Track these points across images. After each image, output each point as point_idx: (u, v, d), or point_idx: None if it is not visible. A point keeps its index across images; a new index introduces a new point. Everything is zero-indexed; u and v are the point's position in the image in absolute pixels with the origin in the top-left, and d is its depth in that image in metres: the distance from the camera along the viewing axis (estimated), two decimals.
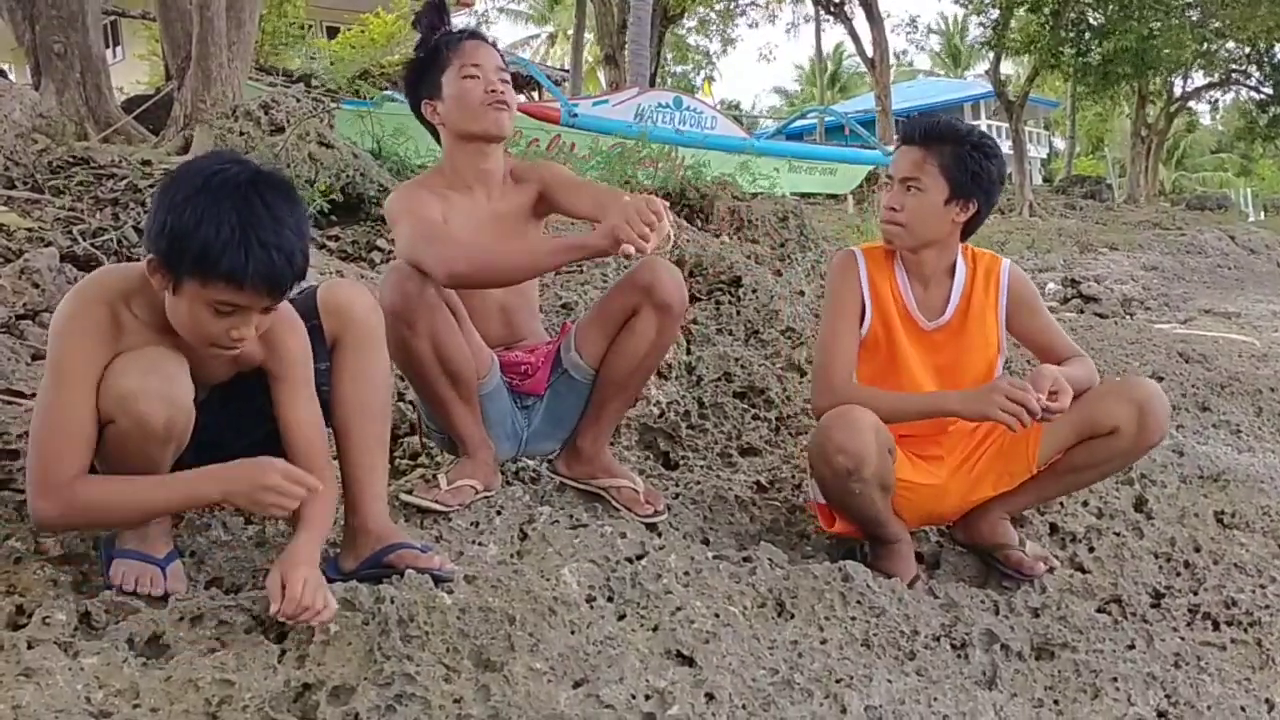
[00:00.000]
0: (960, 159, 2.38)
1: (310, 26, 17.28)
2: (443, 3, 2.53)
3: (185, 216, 1.67)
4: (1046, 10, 18.95)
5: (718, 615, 1.99)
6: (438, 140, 2.53)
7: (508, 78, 2.47)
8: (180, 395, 1.77)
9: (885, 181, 2.51)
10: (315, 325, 2.00)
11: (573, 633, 1.84)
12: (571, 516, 2.42)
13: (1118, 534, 2.71)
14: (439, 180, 2.49)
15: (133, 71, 16.45)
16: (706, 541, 2.53)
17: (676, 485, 2.85)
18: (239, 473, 1.76)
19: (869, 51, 21.21)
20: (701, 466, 3.04)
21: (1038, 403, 2.16)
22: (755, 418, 3.39)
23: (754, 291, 4.46)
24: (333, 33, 19.86)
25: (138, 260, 1.90)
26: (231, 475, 1.76)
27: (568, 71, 24.87)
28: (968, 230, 2.48)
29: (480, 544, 2.25)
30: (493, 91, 2.41)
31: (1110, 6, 19.41)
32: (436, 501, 2.35)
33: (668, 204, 2.15)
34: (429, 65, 2.46)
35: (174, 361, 1.77)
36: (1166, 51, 19.72)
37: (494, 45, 2.53)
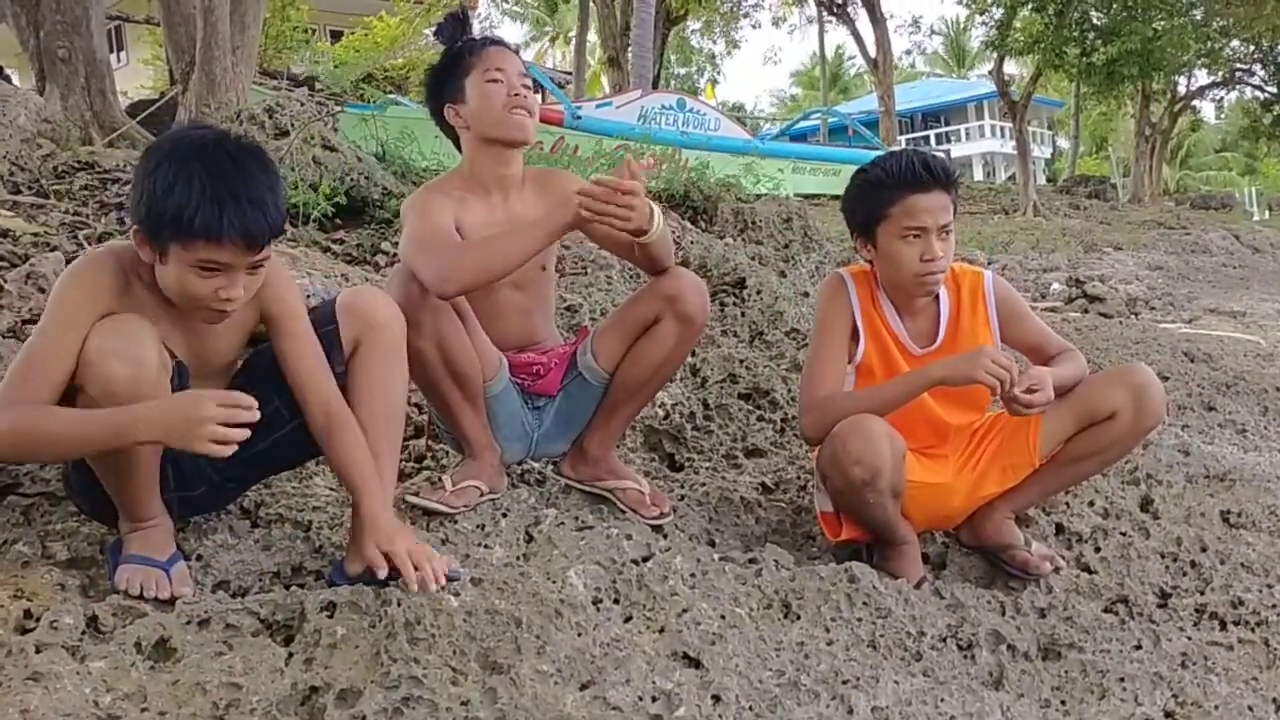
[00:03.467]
0: (958, 189, 2.40)
1: (314, 30, 17.31)
2: (465, 14, 2.54)
3: (157, 184, 1.73)
4: (1050, 10, 18.92)
5: (724, 617, 1.99)
6: (457, 145, 2.53)
7: (530, 83, 2.47)
8: (144, 355, 1.76)
9: (911, 231, 2.34)
10: (332, 330, 2.01)
11: (579, 635, 1.84)
12: (577, 518, 2.42)
13: (1124, 534, 2.70)
14: (456, 183, 2.48)
15: (137, 76, 16.50)
16: (712, 543, 2.53)
17: (682, 487, 2.85)
18: (174, 407, 1.71)
19: (872, 52, 21.23)
20: (707, 468, 3.04)
21: (1017, 389, 2.18)
22: (760, 419, 3.39)
23: (758, 293, 4.47)
24: (336, 36, 19.89)
25: None
26: (166, 411, 1.69)
27: (571, 73, 24.90)
28: None
29: (486, 546, 2.25)
30: (516, 96, 2.41)
31: (1114, 6, 19.38)
32: (441, 503, 2.35)
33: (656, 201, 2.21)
34: (452, 69, 2.46)
35: (141, 325, 1.78)
36: (1171, 51, 19.69)
37: (517, 52, 2.53)
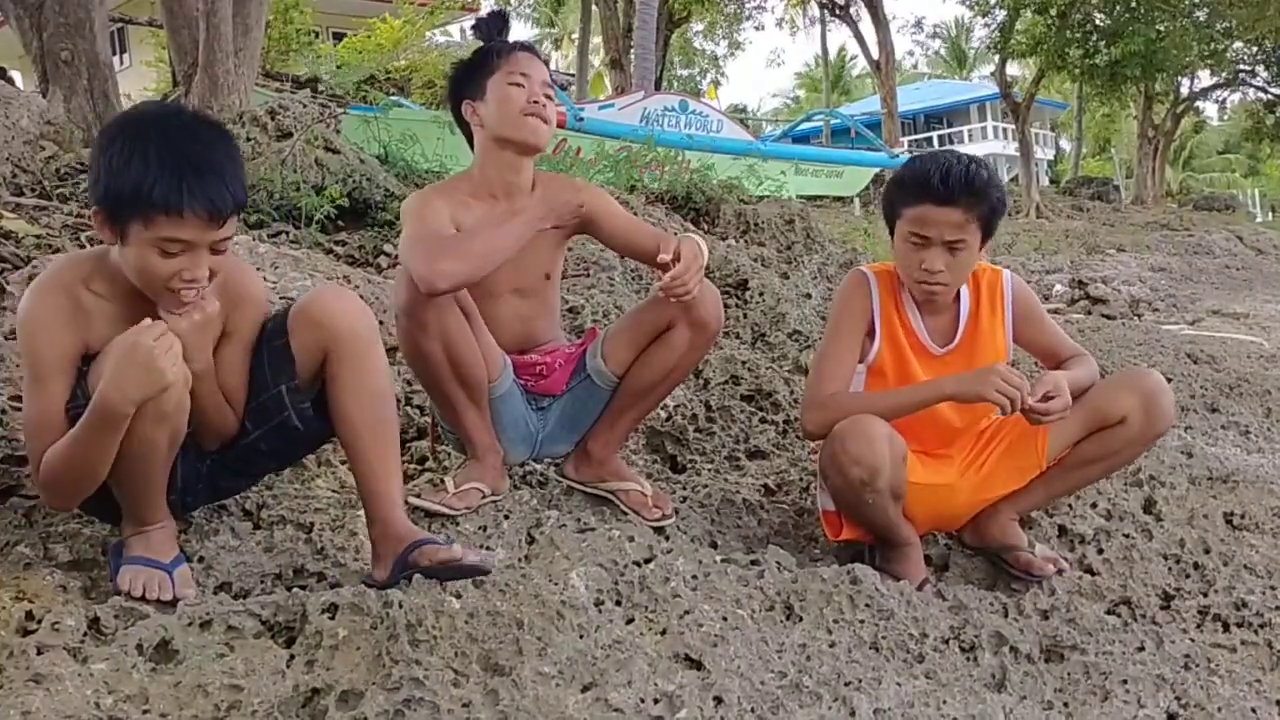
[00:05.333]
0: (994, 210, 2.35)
1: (317, 33, 17.31)
2: (505, 15, 2.55)
3: (114, 161, 1.70)
4: (1053, 12, 18.91)
5: (726, 619, 1.99)
6: (471, 145, 2.53)
7: (552, 94, 2.46)
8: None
9: (914, 239, 2.33)
10: (283, 344, 1.97)
11: (581, 636, 1.84)
12: (579, 520, 2.42)
13: (1127, 536, 2.70)
14: (464, 186, 2.48)
15: (140, 78, 16.53)
16: (714, 545, 2.53)
17: (684, 489, 2.84)
18: (121, 363, 1.68)
19: (874, 54, 21.21)
20: (709, 470, 3.03)
21: (1032, 400, 2.19)
22: (763, 421, 3.39)
23: (761, 294, 4.47)
24: (339, 38, 19.89)
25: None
26: (120, 370, 1.68)
27: (573, 75, 24.91)
28: None
29: (488, 548, 2.25)
30: (535, 102, 2.40)
31: (1117, 8, 19.38)
32: (443, 505, 2.35)
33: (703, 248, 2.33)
34: (477, 67, 2.46)
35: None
36: (1174, 53, 19.68)
37: (545, 62, 2.53)
